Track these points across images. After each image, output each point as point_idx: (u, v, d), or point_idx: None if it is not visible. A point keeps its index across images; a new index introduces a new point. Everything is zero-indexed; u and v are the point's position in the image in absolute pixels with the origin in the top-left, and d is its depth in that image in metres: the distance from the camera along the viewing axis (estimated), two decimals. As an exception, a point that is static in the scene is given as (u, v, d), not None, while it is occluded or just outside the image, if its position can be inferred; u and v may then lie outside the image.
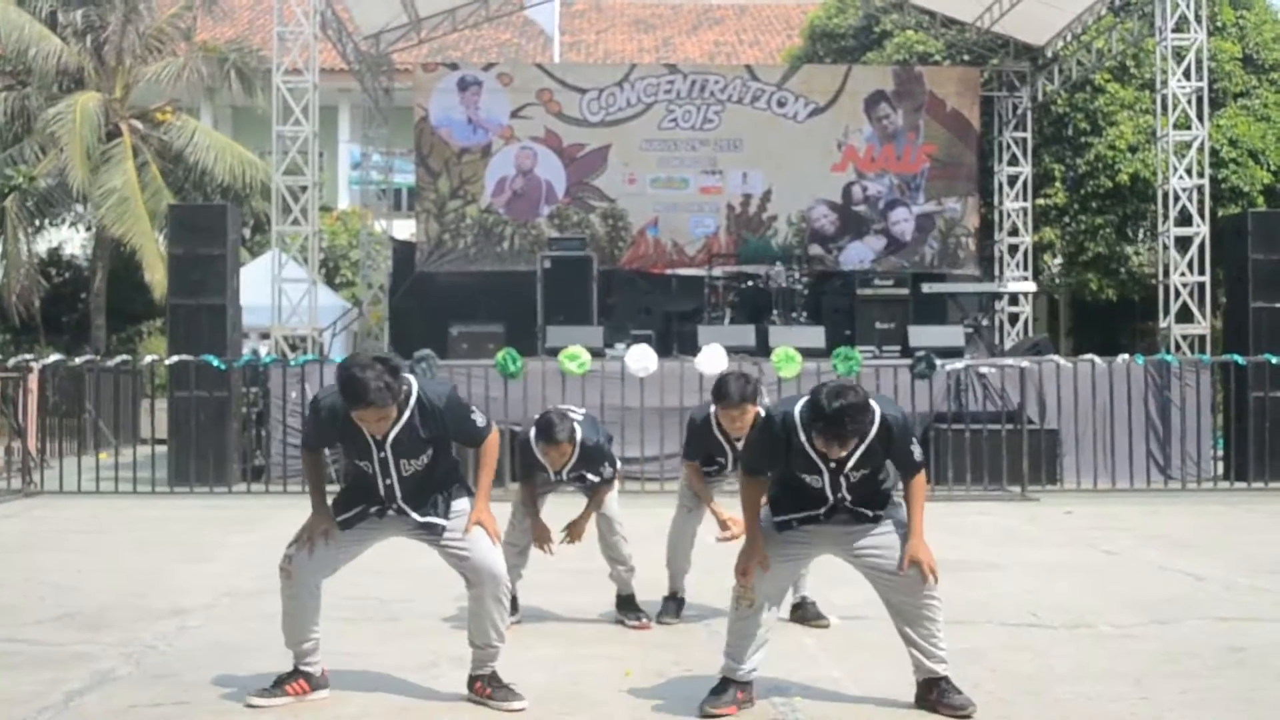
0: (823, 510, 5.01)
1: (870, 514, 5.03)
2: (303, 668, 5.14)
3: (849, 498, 4.98)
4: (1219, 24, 19.93)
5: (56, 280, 25.51)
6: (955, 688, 4.99)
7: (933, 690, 5.01)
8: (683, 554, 6.81)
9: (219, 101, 28.65)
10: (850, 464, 4.86)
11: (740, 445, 6.19)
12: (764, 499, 5.15)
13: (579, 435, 6.40)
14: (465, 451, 5.57)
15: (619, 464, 6.90)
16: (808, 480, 4.95)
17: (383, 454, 4.98)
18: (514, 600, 6.74)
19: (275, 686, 5.09)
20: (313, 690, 5.13)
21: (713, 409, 6.30)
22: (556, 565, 6.89)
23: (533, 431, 6.47)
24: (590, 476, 6.60)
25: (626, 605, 6.74)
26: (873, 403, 4.84)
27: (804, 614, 6.72)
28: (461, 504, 5.16)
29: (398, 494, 5.06)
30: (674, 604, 6.77)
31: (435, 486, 5.12)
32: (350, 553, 5.20)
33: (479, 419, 5.17)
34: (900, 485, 5.11)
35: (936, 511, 10.83)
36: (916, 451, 4.99)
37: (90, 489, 12.92)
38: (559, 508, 6.84)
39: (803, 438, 4.85)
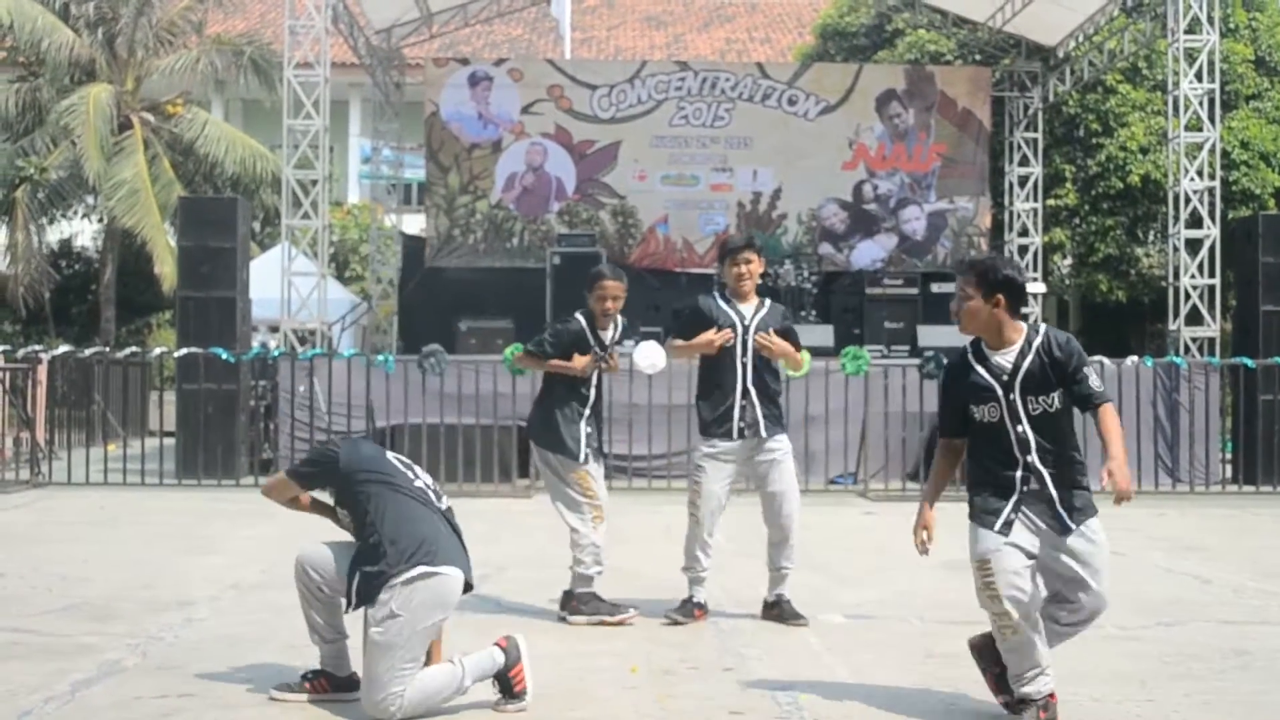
0: (1017, 474, 4.76)
1: (1072, 504, 4.77)
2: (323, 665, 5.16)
3: (1032, 439, 4.75)
4: (1231, 26, 19.88)
5: (66, 272, 25.58)
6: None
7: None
8: (700, 563, 6.74)
9: (229, 94, 28.76)
10: (1020, 378, 4.75)
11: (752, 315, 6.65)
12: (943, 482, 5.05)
13: None
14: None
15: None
16: (985, 416, 4.80)
17: None
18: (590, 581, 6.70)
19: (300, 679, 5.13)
20: (333, 689, 5.13)
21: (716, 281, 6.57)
22: (561, 562, 6.89)
23: (591, 277, 6.88)
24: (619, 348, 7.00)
25: (567, 600, 6.74)
26: (1039, 321, 4.88)
27: (780, 613, 6.69)
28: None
29: None
30: (691, 606, 6.73)
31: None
32: None
33: None
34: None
35: (943, 510, 10.81)
36: (1095, 379, 4.83)
37: (98, 480, 12.95)
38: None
39: (971, 357, 4.87)
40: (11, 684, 5.26)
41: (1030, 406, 4.77)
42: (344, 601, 4.99)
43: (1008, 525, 4.75)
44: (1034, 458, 4.77)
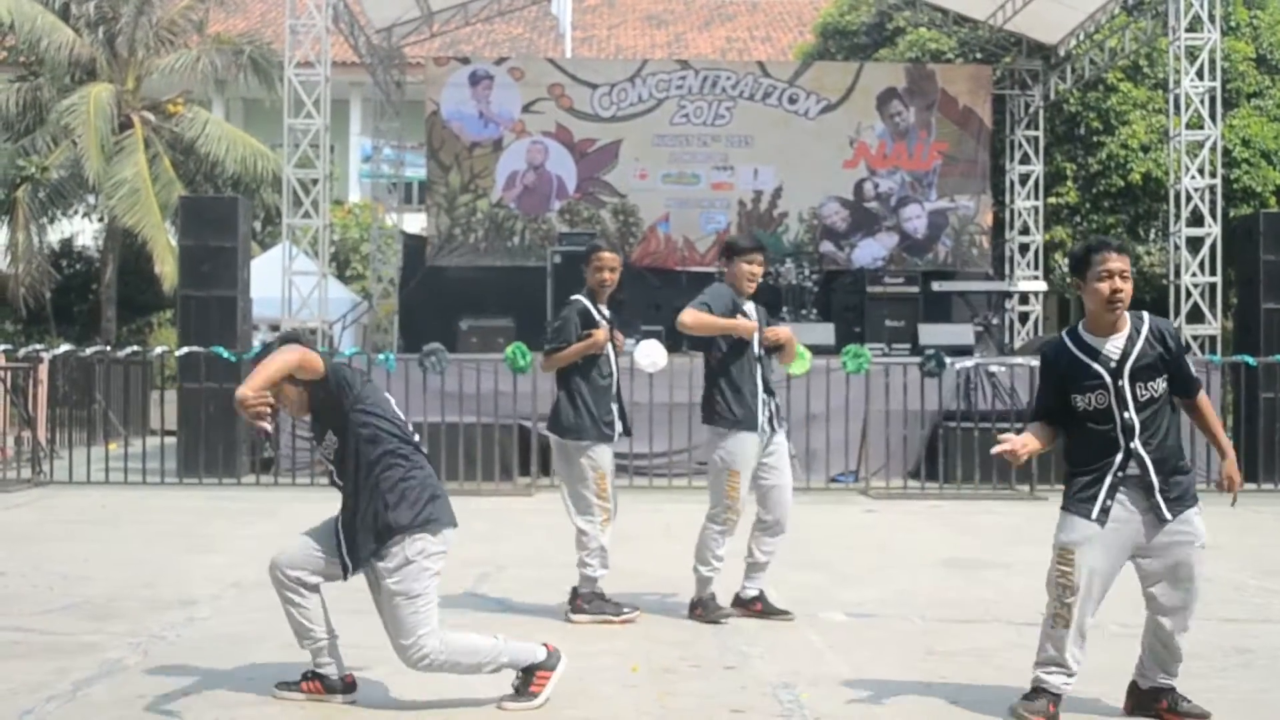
0: (1118, 458, 4.74)
1: (1170, 494, 4.75)
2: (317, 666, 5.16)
3: (1137, 425, 4.73)
4: (1232, 24, 19.87)
5: (67, 271, 25.57)
6: (1185, 696, 4.90)
7: (1162, 699, 4.91)
8: (720, 562, 6.73)
9: (230, 94, 28.76)
10: (1129, 364, 4.73)
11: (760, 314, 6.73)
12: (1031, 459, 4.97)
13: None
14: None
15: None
16: (1092, 403, 4.76)
17: None
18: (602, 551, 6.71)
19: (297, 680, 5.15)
20: (328, 692, 5.11)
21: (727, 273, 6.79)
22: (561, 560, 6.90)
23: (587, 252, 7.04)
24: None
25: (572, 599, 6.73)
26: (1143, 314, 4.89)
27: (765, 608, 6.72)
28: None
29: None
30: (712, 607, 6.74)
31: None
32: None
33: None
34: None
35: (946, 510, 10.85)
36: (1193, 368, 4.89)
37: (99, 479, 12.95)
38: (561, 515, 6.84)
39: (1071, 345, 4.83)
40: (13, 683, 5.26)
41: (1139, 392, 4.75)
42: (341, 571, 4.97)
43: (1105, 512, 4.72)
44: (1137, 444, 4.74)
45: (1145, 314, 4.89)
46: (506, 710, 4.95)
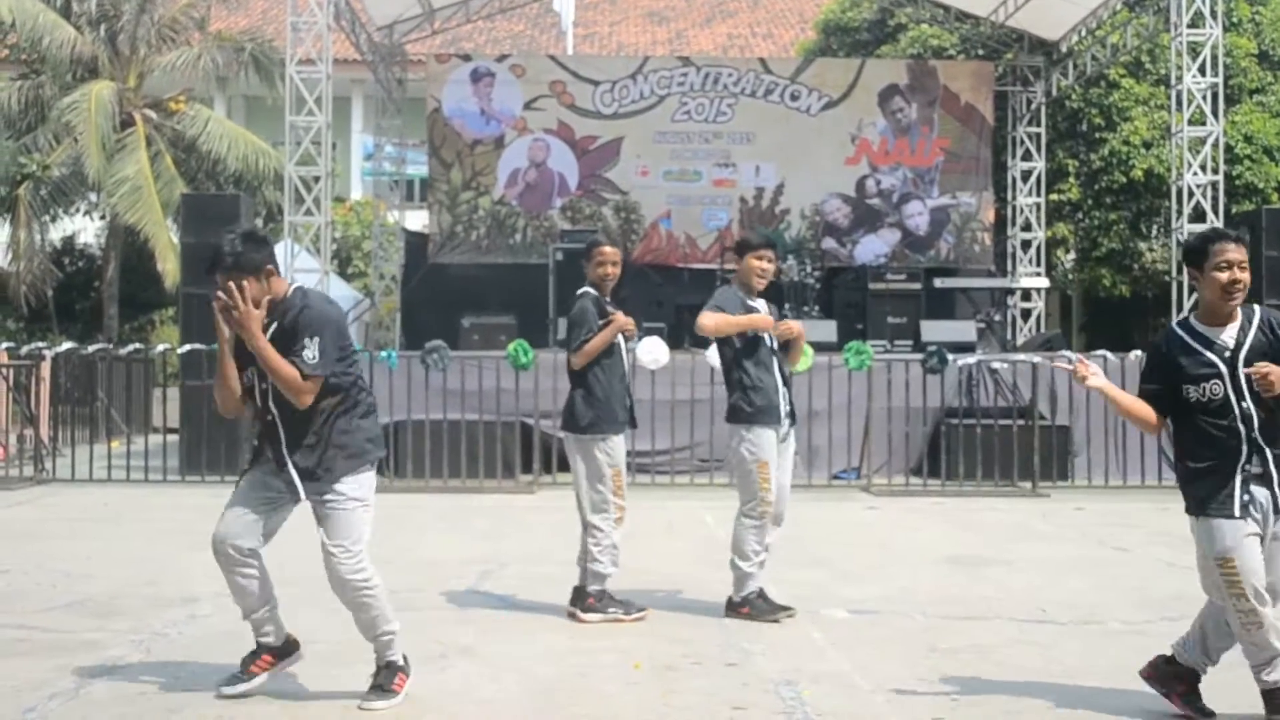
0: (1243, 450, 4.67)
1: None
2: (260, 640, 5.17)
3: (1255, 416, 4.67)
4: (1234, 19, 19.85)
5: (69, 269, 25.57)
6: (1199, 694, 4.90)
7: (1182, 683, 4.95)
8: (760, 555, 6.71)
9: (232, 91, 28.75)
10: (1244, 353, 4.69)
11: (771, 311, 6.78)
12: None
13: None
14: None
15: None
16: (1207, 394, 4.71)
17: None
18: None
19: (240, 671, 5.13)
20: (279, 659, 5.14)
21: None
22: (563, 557, 6.90)
23: (587, 247, 7.05)
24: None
25: (580, 597, 6.70)
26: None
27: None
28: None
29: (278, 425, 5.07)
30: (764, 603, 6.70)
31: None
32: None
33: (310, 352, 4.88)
34: None
35: (948, 507, 10.85)
36: None
37: (102, 477, 12.94)
38: (570, 513, 6.84)
39: (1183, 334, 4.81)
40: (16, 680, 5.27)
41: (1255, 382, 4.72)
42: (292, 502, 5.06)
43: (1245, 507, 4.68)
44: (1258, 435, 4.70)
45: (1255, 305, 4.89)
46: (368, 710, 4.92)
